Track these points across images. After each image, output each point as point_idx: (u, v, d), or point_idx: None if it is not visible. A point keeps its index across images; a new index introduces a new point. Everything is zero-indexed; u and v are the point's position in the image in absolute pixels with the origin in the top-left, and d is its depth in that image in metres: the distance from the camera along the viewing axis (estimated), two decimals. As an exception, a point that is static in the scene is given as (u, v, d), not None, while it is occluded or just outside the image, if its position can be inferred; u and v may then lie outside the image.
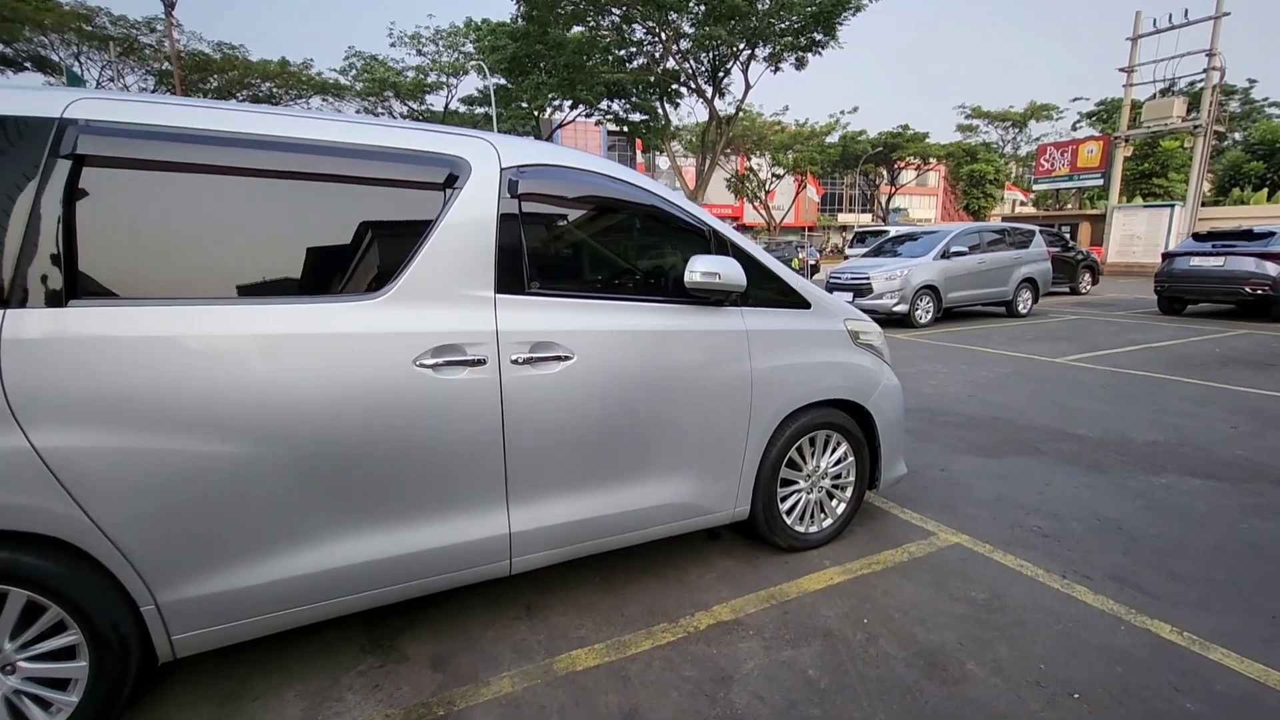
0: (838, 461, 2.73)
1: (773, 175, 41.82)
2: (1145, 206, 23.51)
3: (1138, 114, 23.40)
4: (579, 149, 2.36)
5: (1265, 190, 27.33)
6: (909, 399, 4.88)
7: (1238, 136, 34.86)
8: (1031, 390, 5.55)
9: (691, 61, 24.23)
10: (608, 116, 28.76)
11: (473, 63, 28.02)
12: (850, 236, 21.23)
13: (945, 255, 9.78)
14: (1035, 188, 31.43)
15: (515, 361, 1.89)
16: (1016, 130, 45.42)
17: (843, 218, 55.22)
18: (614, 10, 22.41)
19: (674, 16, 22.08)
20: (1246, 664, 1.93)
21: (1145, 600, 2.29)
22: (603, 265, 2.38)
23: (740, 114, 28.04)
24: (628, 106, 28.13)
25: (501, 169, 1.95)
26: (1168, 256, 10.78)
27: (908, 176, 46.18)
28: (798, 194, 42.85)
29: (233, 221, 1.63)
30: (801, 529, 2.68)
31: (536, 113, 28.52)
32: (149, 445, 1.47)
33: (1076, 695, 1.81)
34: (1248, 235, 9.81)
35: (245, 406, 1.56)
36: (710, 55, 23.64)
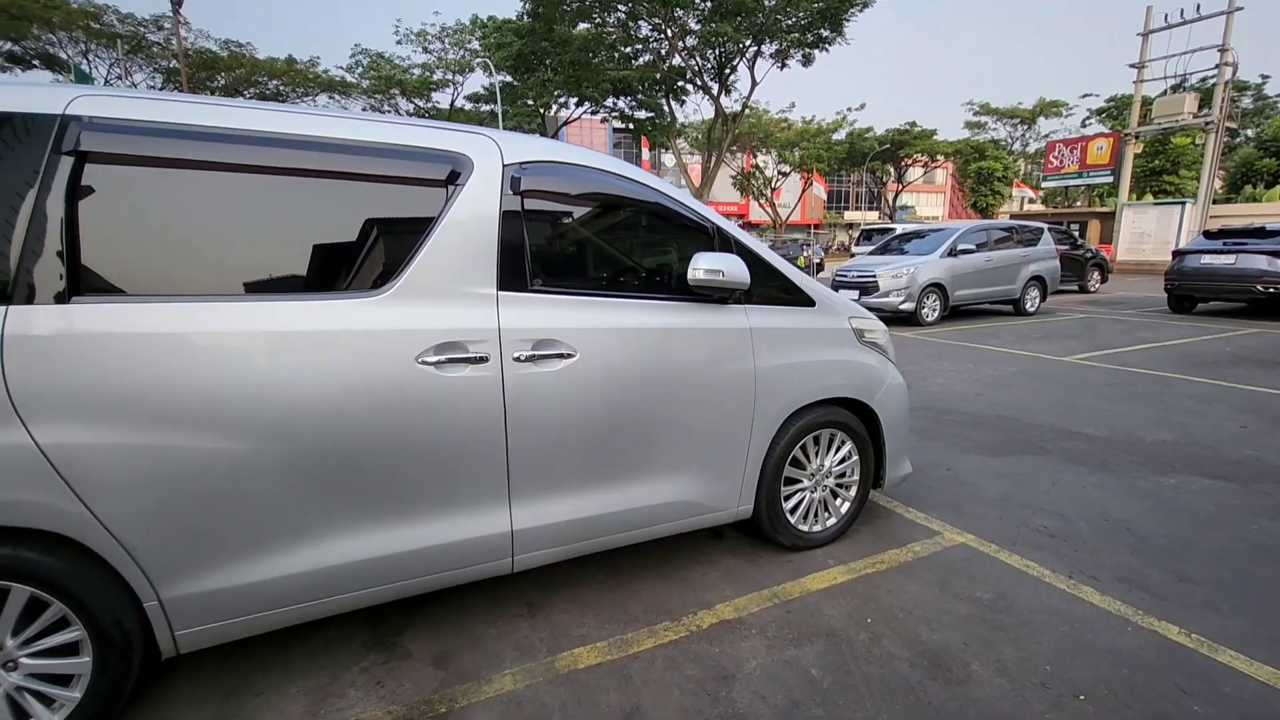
0: (842, 460, 2.71)
1: (779, 173, 41.67)
2: (1156, 204, 23.30)
3: (1148, 110, 23.15)
4: (585, 146, 2.35)
5: (1278, 187, 27.00)
6: (914, 397, 4.85)
7: (1250, 133, 34.44)
8: (1038, 389, 5.50)
9: (698, 58, 24.16)
10: (613, 114, 28.72)
11: (478, 60, 28.03)
12: (857, 234, 21.12)
13: (952, 253, 9.71)
14: (1044, 185, 31.22)
15: (518, 359, 1.89)
16: (1025, 127, 45.10)
17: (849, 215, 54.98)
18: (620, 7, 22.37)
19: (680, 13, 22.01)
20: (1256, 666, 1.91)
21: (1153, 601, 2.27)
22: (606, 262, 2.38)
23: (746, 111, 27.94)
24: (633, 104, 28.07)
25: (504, 165, 1.94)
26: (1178, 254, 10.66)
27: (915, 174, 45.92)
28: (804, 191, 42.69)
29: (235, 218, 1.63)
30: (805, 528, 2.67)
31: (542, 110, 28.49)
32: (152, 441, 1.48)
33: (1082, 697, 1.79)
34: (1260, 233, 9.69)
35: (247, 403, 1.56)
36: (716, 52, 23.56)
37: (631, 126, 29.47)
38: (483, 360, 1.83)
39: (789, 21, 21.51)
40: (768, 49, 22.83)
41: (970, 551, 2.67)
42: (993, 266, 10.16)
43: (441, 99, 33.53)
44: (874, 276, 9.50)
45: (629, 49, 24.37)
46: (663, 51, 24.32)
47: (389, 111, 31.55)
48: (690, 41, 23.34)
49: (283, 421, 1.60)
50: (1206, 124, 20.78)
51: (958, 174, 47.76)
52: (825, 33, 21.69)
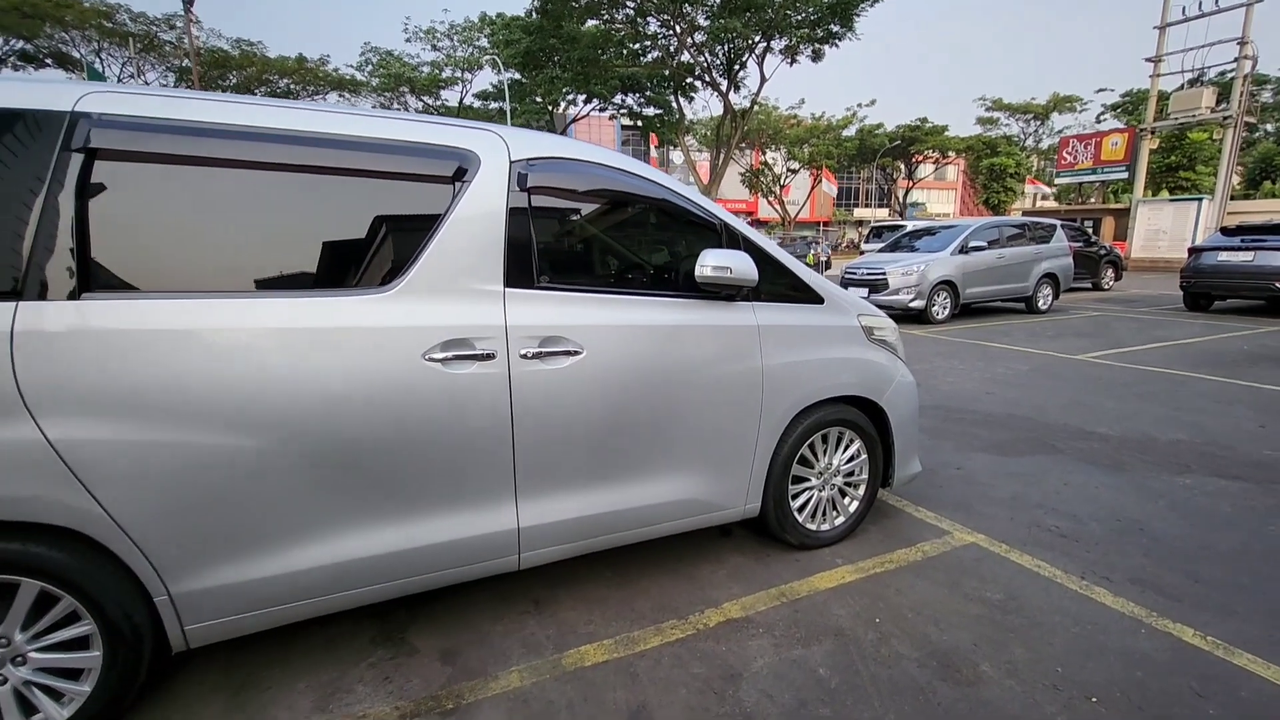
0: (850, 459, 2.69)
1: (788, 170, 41.45)
2: (1171, 200, 22.95)
3: (1165, 105, 22.80)
4: (593, 143, 2.34)
5: (1297, 183, 26.54)
6: (924, 396, 4.81)
7: (1269, 128, 33.86)
8: (1051, 388, 5.44)
9: (706, 55, 24.06)
10: (622, 111, 28.69)
11: (487, 57, 28.07)
12: (866, 231, 20.98)
13: (963, 250, 9.62)
14: (1057, 181, 30.83)
15: (524, 356, 1.88)
16: (1038, 123, 44.58)
17: (859, 212, 54.62)
18: (628, 3, 22.31)
19: (689, 9, 21.93)
20: (1273, 670, 1.88)
21: (1167, 603, 2.24)
22: (612, 259, 2.37)
23: (755, 107, 27.79)
24: (642, 101, 28.03)
25: (511, 162, 1.94)
26: (1194, 251, 10.50)
27: (926, 170, 45.50)
28: (813, 188, 42.45)
29: (243, 215, 1.64)
30: (813, 526, 2.65)
31: (551, 107, 28.52)
32: (162, 437, 1.49)
33: (1094, 699, 1.77)
34: (1279, 230, 9.52)
35: (255, 399, 1.57)
36: (725, 48, 23.45)
37: (640, 123, 29.43)
38: (489, 357, 1.83)
39: (799, 17, 21.36)
40: (777, 45, 22.69)
41: (980, 551, 2.64)
42: (1005, 264, 10.05)
43: (450, 97, 33.68)
44: (884, 274, 9.43)
45: (637, 45, 24.30)
46: (671, 48, 24.24)
47: (398, 109, 31.71)
48: (699, 38, 23.25)
49: (290, 418, 1.61)
50: (1225, 119, 20.43)
51: (969, 170, 47.29)
52: (835, 28, 21.52)
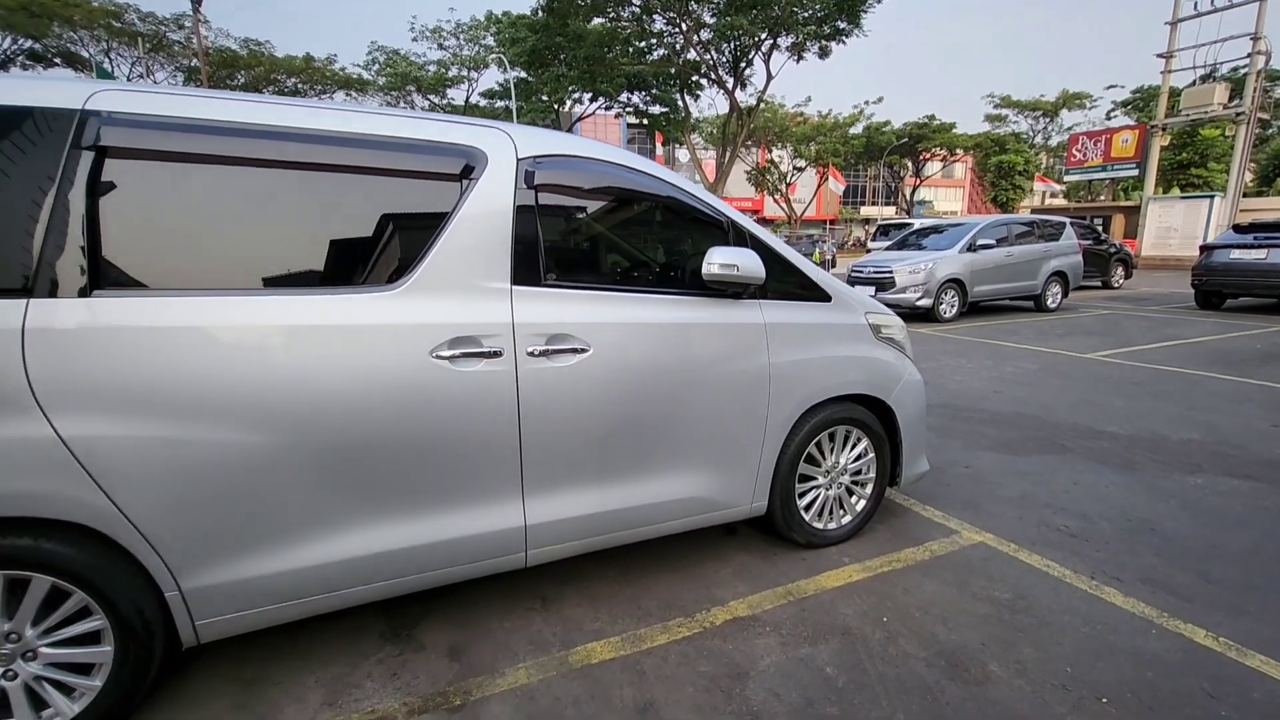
0: (858, 457, 2.68)
1: (794, 168, 41.29)
2: (1183, 198, 22.72)
3: (1176, 101, 22.56)
4: (599, 141, 2.34)
5: (1312, 180, 26.23)
6: (932, 394, 4.79)
7: (1283, 124, 33.41)
8: (1059, 386, 5.40)
9: (713, 52, 23.99)
10: (628, 109, 28.65)
11: (493, 56, 28.12)
12: (873, 230, 20.88)
13: (971, 248, 9.56)
14: (1066, 179, 30.61)
15: (531, 354, 1.88)
16: (1047, 120, 44.21)
17: (865, 210, 54.37)
18: (634, 1, 22.25)
19: (695, 6, 21.87)
20: (1286, 672, 1.86)
21: (1178, 603, 2.22)
22: (620, 257, 2.36)
23: (762, 105, 27.72)
24: (648, 99, 27.99)
25: (518, 159, 1.93)
26: (1206, 249, 10.39)
27: (933, 168, 45.23)
28: (819, 187, 42.27)
29: (251, 212, 1.64)
30: (820, 525, 2.64)
31: (556, 106, 28.52)
32: (172, 434, 1.50)
33: (1105, 700, 1.76)
34: (1292, 227, 9.42)
35: (264, 396, 1.58)
36: (732, 45, 23.39)
37: (645, 122, 29.38)
38: (496, 355, 1.83)
39: (805, 14, 21.26)
40: (783, 42, 22.60)
41: (989, 551, 2.62)
42: (1013, 262, 9.98)
43: (456, 95, 33.75)
44: (891, 272, 9.38)
45: (643, 43, 24.26)
46: (677, 46, 24.18)
47: (405, 108, 31.76)
48: (705, 35, 23.19)
49: (299, 415, 1.62)
50: (1237, 115, 20.20)
51: (977, 168, 46.97)
52: (842, 25, 21.41)
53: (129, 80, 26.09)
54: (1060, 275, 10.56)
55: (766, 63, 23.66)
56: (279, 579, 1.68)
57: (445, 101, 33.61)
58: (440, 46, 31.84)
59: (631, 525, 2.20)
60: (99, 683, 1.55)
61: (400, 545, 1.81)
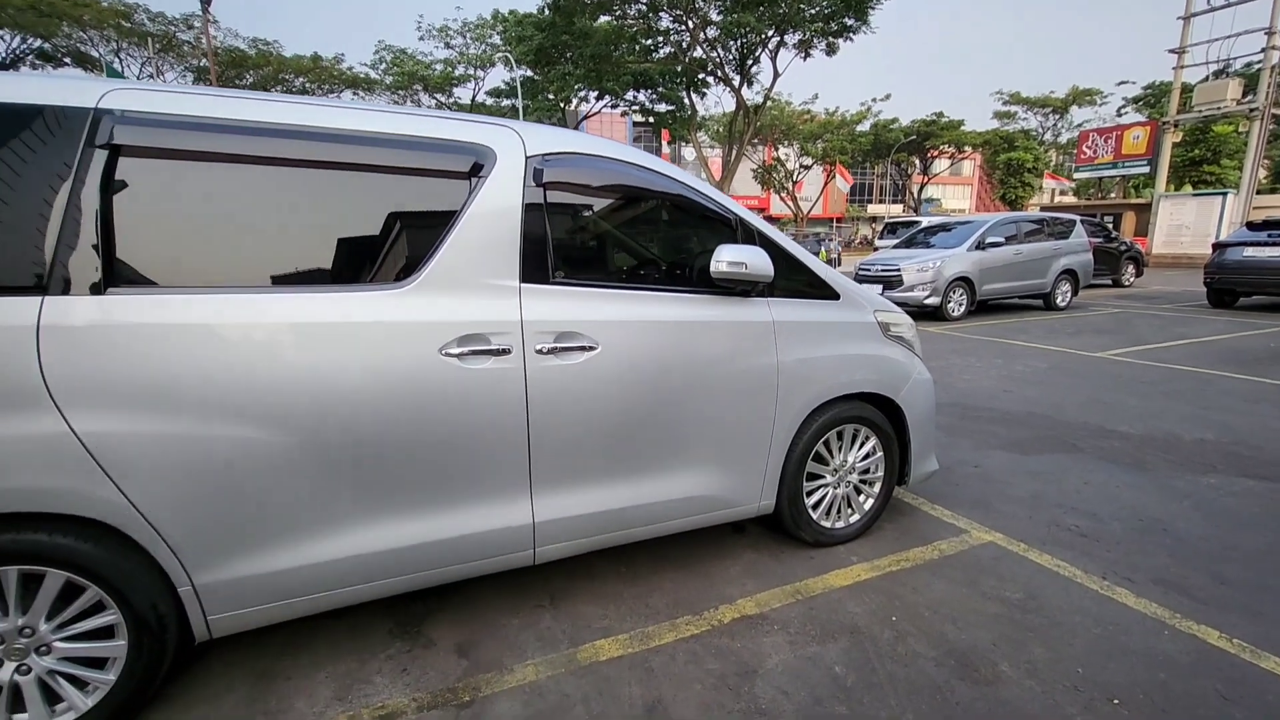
0: (866, 456, 2.67)
1: (800, 166, 41.13)
2: (1195, 195, 22.46)
3: (1188, 97, 22.29)
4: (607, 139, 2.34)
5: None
6: (940, 393, 4.76)
7: (1297, 120, 32.94)
8: (1070, 385, 5.36)
9: (719, 50, 23.94)
10: (634, 107, 28.62)
11: (499, 54, 28.13)
12: (880, 228, 20.78)
13: (980, 246, 9.49)
14: (1076, 176, 30.32)
15: (539, 351, 1.88)
16: (1057, 117, 43.84)
17: (873, 208, 54.10)
18: (640, -2, 22.23)
19: (701, 4, 21.83)
20: (1302, 674, 1.83)
21: (1191, 604, 2.20)
22: (628, 254, 2.36)
23: (768, 103, 27.64)
24: (654, 97, 27.94)
25: (527, 157, 1.94)
26: (1219, 247, 10.27)
27: (941, 165, 44.93)
28: (826, 184, 42.09)
29: (262, 211, 1.65)
30: (828, 524, 2.63)
31: (563, 104, 28.53)
32: (184, 430, 1.51)
33: (1116, 701, 1.74)
34: (1307, 224, 9.30)
35: (275, 393, 1.59)
36: (738, 43, 23.32)
37: (652, 120, 29.34)
38: (505, 352, 1.84)
39: (812, 11, 21.17)
40: (790, 39, 22.52)
41: (998, 550, 2.61)
42: (1022, 260, 9.91)
43: (463, 94, 33.84)
44: (898, 270, 9.33)
45: (649, 41, 24.23)
46: (684, 43, 24.14)
47: (412, 107, 31.90)
48: (711, 33, 23.13)
49: (310, 412, 1.62)
50: (1251, 111, 19.92)
51: (986, 165, 46.64)
52: (849, 21, 21.31)
53: (139, 80, 26.32)
54: (1070, 273, 10.47)
55: (773, 60, 23.58)
56: (290, 575, 1.69)
57: (452, 100, 33.71)
58: (447, 45, 31.94)
59: (639, 523, 2.20)
60: (113, 677, 1.57)
61: (409, 542, 1.81)
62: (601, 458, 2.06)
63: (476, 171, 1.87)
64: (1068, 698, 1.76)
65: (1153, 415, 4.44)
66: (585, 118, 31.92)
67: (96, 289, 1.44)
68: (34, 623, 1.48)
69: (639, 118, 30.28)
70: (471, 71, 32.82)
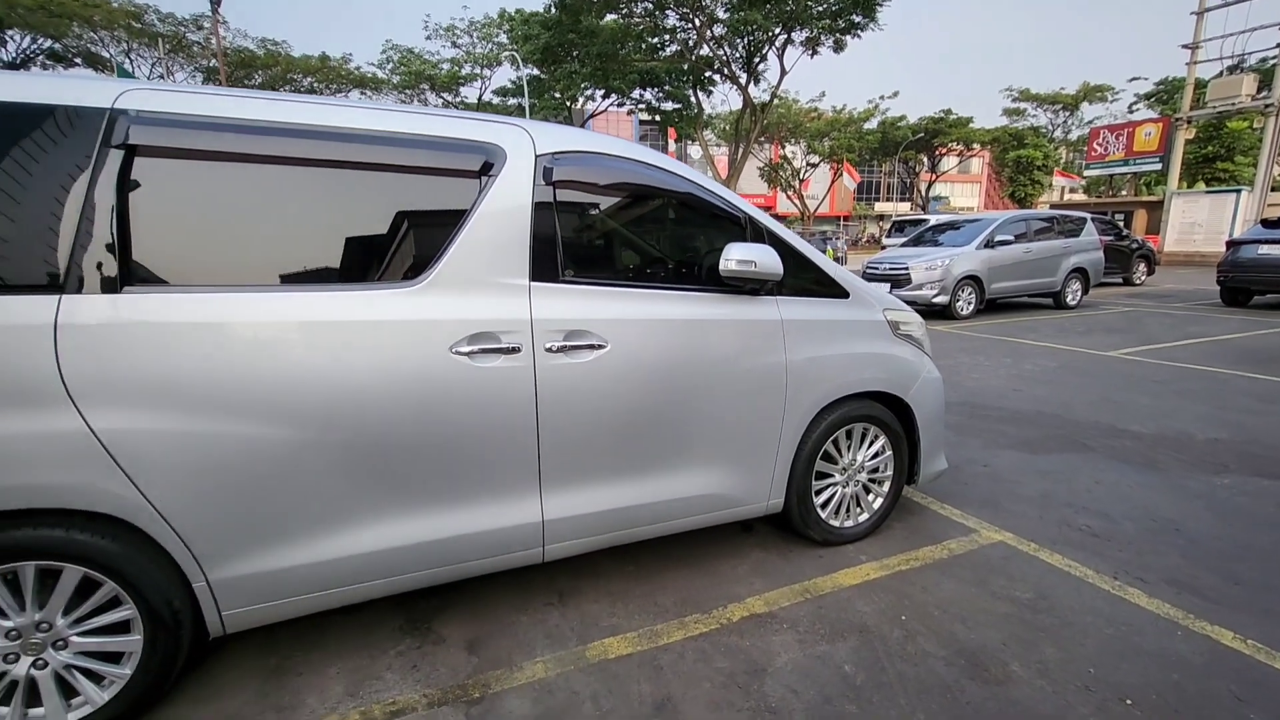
0: (875, 455, 2.66)
1: (807, 164, 40.98)
2: (1208, 192, 22.21)
3: (1202, 93, 22.02)
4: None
5: (1343, 173, 25.47)
6: (949, 392, 4.73)
7: (1313, 116, 32.47)
8: (1080, 384, 5.32)
9: (726, 48, 23.86)
10: (640, 106, 28.59)
11: (506, 53, 28.20)
12: (888, 226, 20.66)
13: (989, 244, 9.42)
14: (1087, 173, 30.02)
15: (549, 350, 1.89)
16: (1067, 113, 43.43)
17: (880, 206, 53.84)
18: (647, -3, 22.19)
19: (708, 2, 21.76)
20: (1318, 676, 1.82)
21: (1205, 605, 2.18)
22: (637, 253, 2.36)
23: (775, 101, 27.51)
24: (660, 95, 27.91)
25: (537, 156, 1.94)
26: (1233, 244, 10.15)
27: (949, 163, 44.64)
28: (833, 182, 41.93)
29: (276, 210, 1.67)
30: (836, 523, 2.63)
31: (569, 103, 28.55)
32: (199, 428, 1.52)
33: (1129, 701, 1.73)
34: (1323, 221, 9.17)
35: (288, 391, 1.60)
36: (745, 40, 23.24)
37: (658, 118, 29.31)
38: (515, 351, 1.84)
39: (820, 8, 21.06)
40: (798, 37, 22.40)
41: (1008, 550, 2.59)
42: (1032, 258, 9.83)
43: (469, 93, 33.95)
44: (906, 269, 9.28)
45: (656, 40, 24.19)
46: (690, 41, 24.08)
47: (419, 105, 32.00)
48: (718, 30, 23.06)
49: (322, 410, 1.64)
50: (1266, 106, 19.66)
51: (994, 163, 46.30)
52: (857, 18, 21.18)
53: (149, 80, 26.51)
54: (1080, 272, 10.38)
55: (780, 58, 23.50)
56: (302, 571, 1.70)
57: (458, 100, 33.81)
58: (454, 44, 32.05)
59: (648, 521, 2.20)
60: (128, 671, 1.59)
61: (420, 539, 1.82)
62: (610, 456, 2.07)
63: (487, 170, 1.87)
64: (1080, 698, 1.75)
65: (1165, 414, 4.40)
66: (591, 116, 31.94)
67: (112, 288, 1.46)
68: (51, 617, 1.50)
69: (645, 116, 30.26)
70: (478, 71, 32.93)
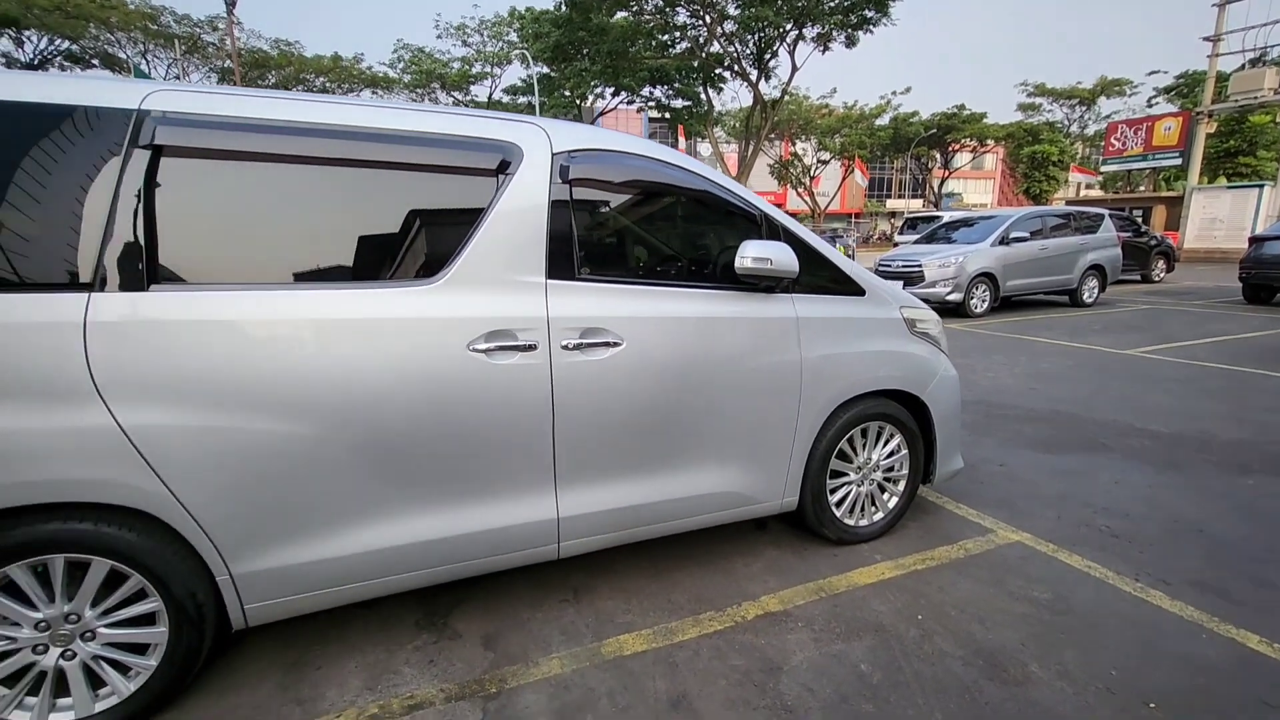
0: (890, 454, 2.64)
1: (818, 161, 40.72)
2: (1229, 188, 21.81)
3: (1223, 87, 21.60)
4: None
5: (1369, 168, 24.89)
6: (964, 391, 4.67)
7: (1338, 109, 31.76)
8: (1098, 383, 5.24)
9: (736, 44, 23.74)
10: (650, 103, 28.54)
11: (516, 51, 28.27)
12: (900, 223, 20.48)
13: (1004, 241, 9.31)
14: (1104, 169, 29.55)
15: (565, 347, 1.89)
16: (1084, 108, 42.77)
17: (891, 203, 53.40)
18: (657, -6, 22.12)
19: (719, -2, 21.65)
20: (1347, 681, 1.78)
21: (1230, 608, 2.14)
22: (653, 251, 2.36)
23: (786, 97, 27.36)
24: (670, 92, 27.84)
25: (553, 154, 1.94)
26: (1255, 241, 9.97)
27: (962, 160, 44.16)
28: (844, 179, 41.64)
29: (297, 209, 1.69)
30: (851, 522, 2.61)
31: (579, 101, 28.56)
32: (222, 424, 1.54)
33: (1153, 705, 1.71)
34: (1349, 217, 8.97)
35: (310, 388, 1.62)
36: (756, 37, 23.11)
37: (668, 116, 29.24)
38: (531, 348, 1.85)
39: (832, 3, 20.88)
40: (809, 32, 22.24)
41: (1026, 550, 2.57)
42: (1048, 255, 9.71)
43: (480, 92, 34.06)
44: (919, 266, 9.20)
45: (666, 37, 24.11)
46: (701, 38, 23.99)
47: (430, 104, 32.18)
48: (729, 27, 22.94)
49: (342, 407, 1.65)
50: (1289, 100, 19.27)
51: (1009, 159, 45.73)
52: (869, 13, 20.97)
53: (165, 80, 26.84)
54: (1097, 269, 10.23)
55: (791, 54, 23.33)
56: (323, 566, 1.72)
57: (469, 98, 33.95)
58: (464, 43, 32.17)
59: (663, 518, 2.20)
60: (154, 662, 1.61)
61: (438, 535, 1.84)
62: (625, 453, 2.07)
63: (504, 169, 1.88)
64: (1101, 700, 1.73)
65: (1186, 414, 4.33)
66: (601, 114, 31.90)
67: (140, 286, 1.48)
68: (79, 609, 1.53)
69: (655, 114, 30.20)
70: (488, 69, 33.02)
